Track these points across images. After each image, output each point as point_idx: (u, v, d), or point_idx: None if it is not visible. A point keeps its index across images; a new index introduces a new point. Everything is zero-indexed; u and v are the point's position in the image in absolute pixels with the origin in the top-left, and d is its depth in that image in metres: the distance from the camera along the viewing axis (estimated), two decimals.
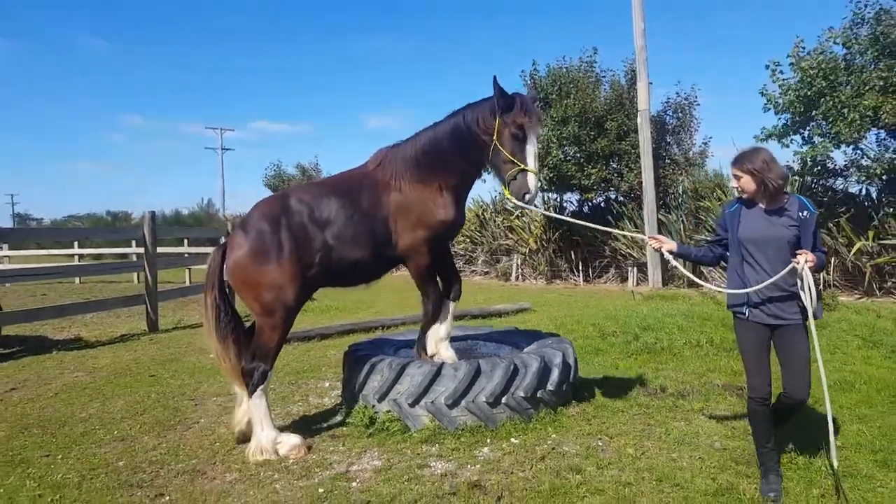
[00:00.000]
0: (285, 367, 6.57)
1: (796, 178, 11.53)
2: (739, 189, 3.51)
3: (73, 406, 5.39)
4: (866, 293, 10.89)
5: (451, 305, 4.70)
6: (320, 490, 3.57)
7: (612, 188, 15.63)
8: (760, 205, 3.48)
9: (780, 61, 11.25)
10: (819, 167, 11.61)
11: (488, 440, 4.22)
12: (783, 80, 11.22)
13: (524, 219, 16.69)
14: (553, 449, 4.07)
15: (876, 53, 10.31)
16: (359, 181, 4.43)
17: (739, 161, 3.47)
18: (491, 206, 18.18)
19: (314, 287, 4.44)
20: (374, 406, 4.51)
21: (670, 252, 3.84)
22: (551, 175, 14.99)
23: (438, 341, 4.63)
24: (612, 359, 6.68)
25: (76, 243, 20.18)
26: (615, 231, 5.37)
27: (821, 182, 12.09)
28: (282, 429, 4.29)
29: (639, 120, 14.03)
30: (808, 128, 11.29)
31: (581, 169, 14.87)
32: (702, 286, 3.96)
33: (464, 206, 4.58)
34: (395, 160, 4.39)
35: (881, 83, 10.02)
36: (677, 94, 16.17)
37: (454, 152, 4.32)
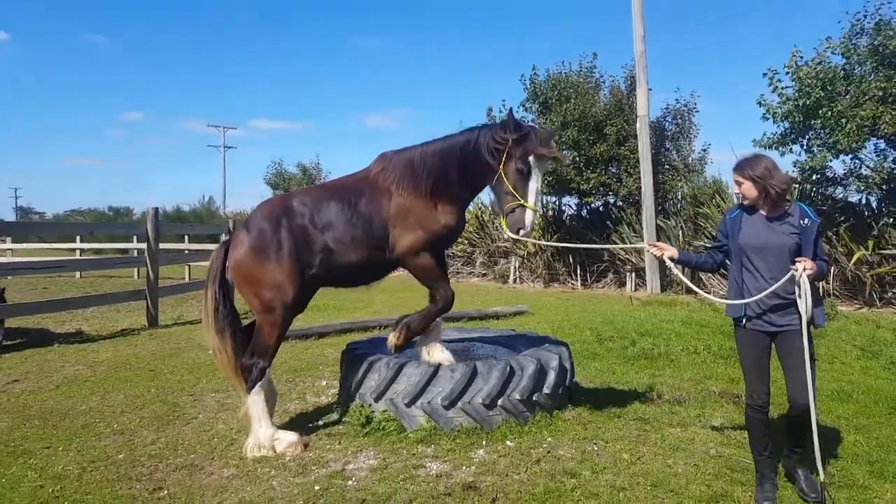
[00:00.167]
0: (283, 364, 6.59)
1: (796, 186, 11.55)
2: (740, 195, 3.50)
3: (74, 399, 5.44)
4: (866, 303, 10.88)
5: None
6: (316, 487, 3.61)
7: (611, 193, 15.65)
8: (762, 211, 3.47)
9: (777, 70, 11.27)
10: (818, 176, 11.62)
11: (484, 442, 4.24)
12: (781, 88, 11.24)
13: None
14: (548, 452, 4.08)
15: (875, 64, 10.35)
16: (360, 185, 4.44)
17: (741, 167, 3.46)
18: (489, 208, 18.20)
19: (315, 287, 4.47)
20: (370, 405, 4.53)
21: (671, 259, 3.80)
22: (550, 178, 15.03)
23: (430, 344, 4.57)
24: (608, 364, 6.69)
25: (78, 238, 20.23)
26: (614, 247, 5.33)
27: (820, 191, 12.11)
28: (279, 426, 4.33)
29: (638, 126, 14.08)
30: (806, 137, 11.31)
31: (580, 173, 14.92)
32: (698, 294, 3.96)
33: (464, 214, 4.56)
34: (398, 166, 4.36)
35: (880, 93, 10.06)
36: (676, 100, 16.27)
37: (458, 170, 4.27)
